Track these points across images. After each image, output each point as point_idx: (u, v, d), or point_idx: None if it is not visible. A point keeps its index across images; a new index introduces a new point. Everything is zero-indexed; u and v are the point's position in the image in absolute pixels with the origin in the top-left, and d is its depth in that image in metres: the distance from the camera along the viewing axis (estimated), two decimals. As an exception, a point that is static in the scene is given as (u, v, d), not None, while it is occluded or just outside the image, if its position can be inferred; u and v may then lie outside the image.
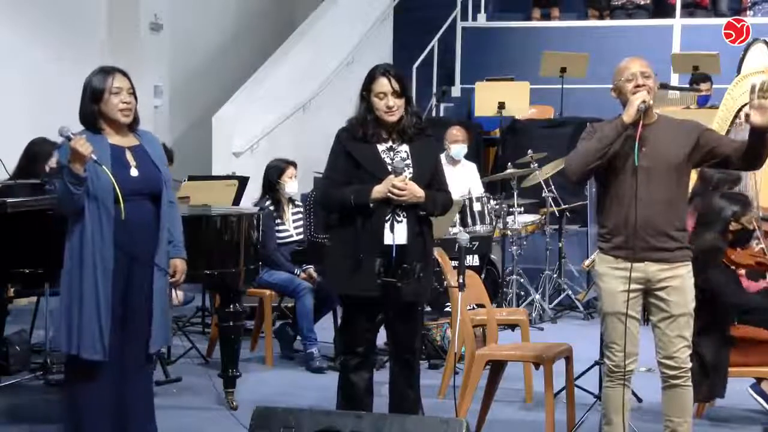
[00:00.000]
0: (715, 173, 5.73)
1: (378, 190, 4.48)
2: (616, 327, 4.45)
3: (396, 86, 4.53)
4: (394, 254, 4.42)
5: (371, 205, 4.49)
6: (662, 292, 4.44)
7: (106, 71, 4.47)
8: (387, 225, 4.48)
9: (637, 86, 4.37)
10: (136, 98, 4.51)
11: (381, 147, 4.60)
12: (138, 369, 4.50)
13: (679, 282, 4.44)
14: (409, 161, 4.58)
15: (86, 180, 4.28)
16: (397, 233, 4.47)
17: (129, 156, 4.45)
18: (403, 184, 4.47)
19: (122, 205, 4.28)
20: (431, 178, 4.64)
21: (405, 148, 4.62)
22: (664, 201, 4.40)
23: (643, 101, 4.33)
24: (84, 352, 4.35)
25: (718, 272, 5.13)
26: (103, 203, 4.32)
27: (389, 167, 4.53)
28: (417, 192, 4.50)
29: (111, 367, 4.40)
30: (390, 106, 4.54)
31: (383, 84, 4.54)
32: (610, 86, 4.52)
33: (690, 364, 4.50)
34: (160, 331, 4.49)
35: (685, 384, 4.50)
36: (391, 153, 4.60)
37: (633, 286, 4.41)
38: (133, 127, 4.54)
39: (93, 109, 4.43)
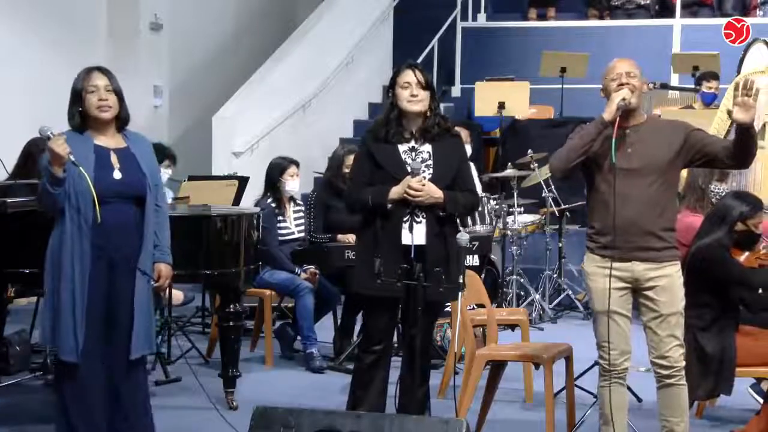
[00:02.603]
0: (701, 172, 5.71)
1: (395, 191, 4.53)
2: (607, 325, 4.45)
3: (421, 78, 4.60)
4: (412, 254, 4.44)
5: (389, 206, 4.51)
6: (651, 292, 4.44)
7: (87, 70, 4.43)
8: (405, 225, 4.50)
9: (621, 85, 4.38)
10: (121, 97, 4.42)
11: (402, 147, 4.64)
12: (128, 368, 4.42)
13: (667, 281, 4.44)
14: (429, 162, 4.61)
15: (64, 181, 4.22)
16: (416, 234, 4.50)
17: (114, 158, 4.39)
18: (420, 185, 4.49)
19: (98, 208, 4.23)
20: (454, 178, 4.65)
21: (427, 148, 4.65)
22: (651, 201, 4.40)
23: (623, 98, 4.34)
24: (61, 354, 4.32)
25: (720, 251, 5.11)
26: (82, 205, 4.26)
27: (407, 167, 4.55)
28: (434, 193, 4.52)
29: (97, 368, 4.35)
30: (414, 94, 4.58)
31: (408, 74, 4.61)
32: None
33: (683, 363, 4.50)
34: (142, 337, 4.40)
35: (679, 383, 4.51)
36: (413, 153, 4.63)
37: (621, 285, 4.42)
38: (121, 128, 4.47)
39: (75, 110, 4.40)
